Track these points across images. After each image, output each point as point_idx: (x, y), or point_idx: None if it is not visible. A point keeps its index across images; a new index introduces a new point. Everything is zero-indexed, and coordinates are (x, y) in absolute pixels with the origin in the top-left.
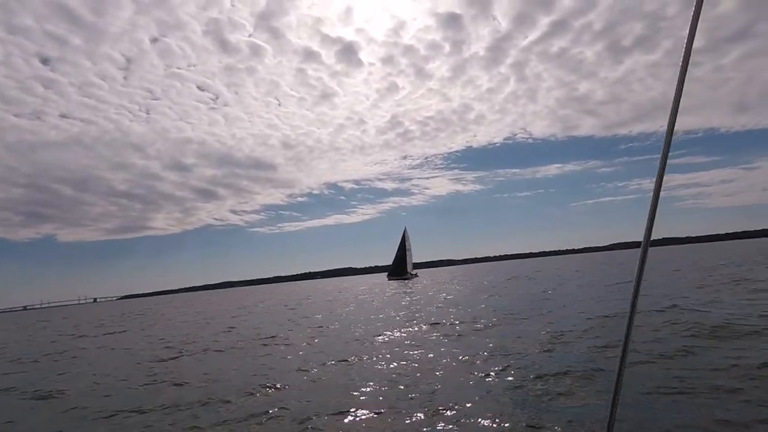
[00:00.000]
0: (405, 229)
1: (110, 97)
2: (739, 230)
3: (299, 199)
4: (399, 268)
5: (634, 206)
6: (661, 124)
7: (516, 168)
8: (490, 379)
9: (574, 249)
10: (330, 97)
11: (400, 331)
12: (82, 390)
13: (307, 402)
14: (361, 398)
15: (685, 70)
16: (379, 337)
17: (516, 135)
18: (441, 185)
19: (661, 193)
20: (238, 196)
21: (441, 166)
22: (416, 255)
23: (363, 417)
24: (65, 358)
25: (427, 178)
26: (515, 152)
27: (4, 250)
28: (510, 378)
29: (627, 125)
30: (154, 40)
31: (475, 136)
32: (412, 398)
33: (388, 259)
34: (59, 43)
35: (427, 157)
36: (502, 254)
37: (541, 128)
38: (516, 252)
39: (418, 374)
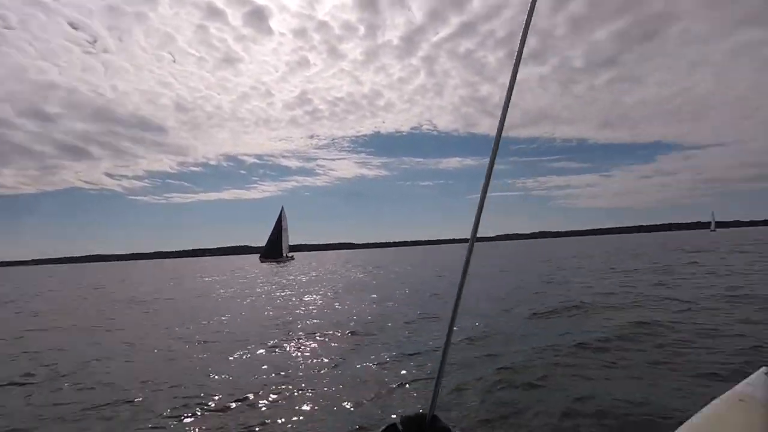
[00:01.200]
0: (282, 209)
1: None
2: (600, 227)
3: (192, 168)
4: (273, 250)
5: (519, 202)
6: (544, 131)
7: (420, 157)
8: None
9: (465, 239)
10: (234, 62)
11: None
12: None
13: None
14: None
15: (514, 81)
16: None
17: (422, 126)
18: (347, 168)
19: (542, 192)
20: (117, 158)
21: (348, 149)
22: (319, 236)
23: None
24: None
25: (333, 160)
26: (421, 142)
27: None
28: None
29: (517, 129)
30: None
31: (383, 122)
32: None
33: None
34: None
35: (334, 139)
36: (402, 240)
37: (445, 122)
38: (417, 239)
39: None
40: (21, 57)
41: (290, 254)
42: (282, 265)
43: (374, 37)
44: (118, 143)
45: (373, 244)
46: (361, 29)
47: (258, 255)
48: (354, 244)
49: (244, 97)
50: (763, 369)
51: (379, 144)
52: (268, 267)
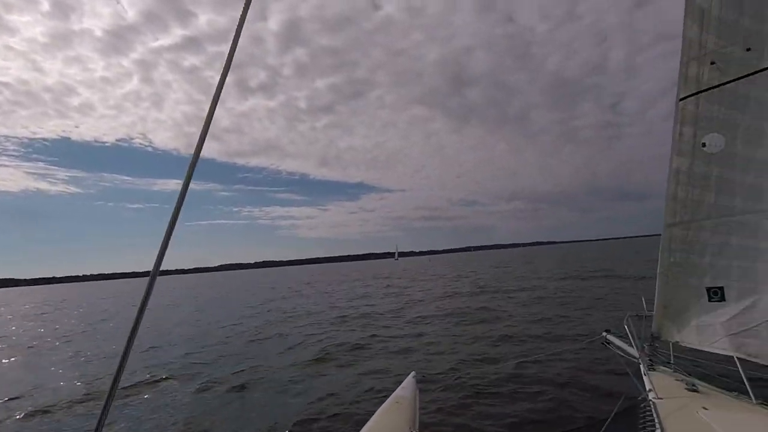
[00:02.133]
0: None
1: None
2: (317, 256)
3: None
4: None
5: (244, 231)
6: (272, 162)
7: (129, 176)
8: None
9: (184, 269)
10: None
11: None
12: None
13: None
14: None
15: (215, 105)
16: None
17: (134, 139)
18: (12, 178)
19: (267, 221)
20: None
21: (16, 154)
22: None
23: None
24: None
25: None
26: (130, 158)
27: None
28: None
29: (246, 156)
30: None
31: (77, 127)
32: None
33: None
34: None
35: None
36: (90, 273)
37: (164, 139)
38: (122, 270)
39: None
40: None
41: None
42: None
43: (66, 18)
44: None
45: (44, 279)
46: (45, 4)
47: None
48: (18, 279)
49: None
50: (412, 373)
51: (69, 153)
52: None
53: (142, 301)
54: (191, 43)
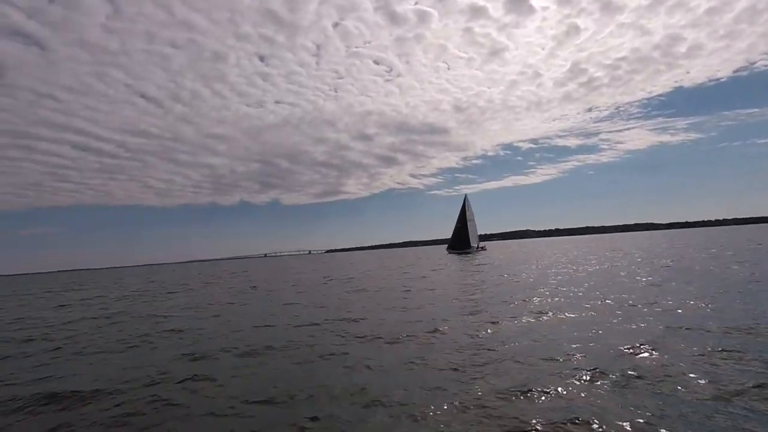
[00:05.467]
0: (465, 197)
1: (308, 82)
2: None
3: (474, 161)
4: (460, 241)
5: None
6: None
7: (754, 107)
8: None
9: None
10: (499, 53)
11: None
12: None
13: None
14: None
15: None
16: None
17: (754, 64)
18: (639, 138)
19: None
20: (416, 160)
21: (638, 116)
22: (608, 217)
23: None
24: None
25: (620, 131)
26: (751, 87)
27: (249, 210)
28: None
29: None
30: (335, 25)
31: (687, 73)
32: None
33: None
34: (269, 42)
35: (618, 107)
36: (723, 218)
37: None
38: (743, 215)
39: None
40: (349, 96)
41: (481, 244)
42: (467, 257)
43: None
44: (415, 148)
45: (678, 223)
46: None
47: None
48: (657, 224)
49: (512, 85)
50: None
51: (682, 102)
52: (458, 259)
53: None
54: None
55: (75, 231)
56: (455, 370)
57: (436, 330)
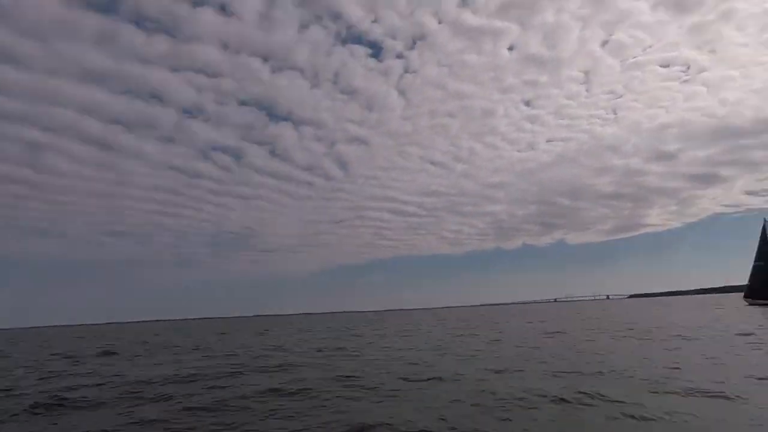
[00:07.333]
0: (765, 222)
1: (579, 111)
2: None
3: None
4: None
5: None
6: None
7: None
8: None
9: None
10: None
11: None
12: None
13: None
14: None
15: None
16: None
17: None
18: None
19: None
20: (753, 171)
21: None
22: None
23: None
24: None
25: None
26: None
27: (533, 253)
28: None
29: None
30: (604, 43)
31: None
32: None
33: None
34: (532, 85)
35: None
36: None
37: None
38: None
39: None
40: (633, 114)
41: None
42: None
43: None
44: (748, 156)
45: None
46: None
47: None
48: None
49: None
50: None
51: None
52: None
53: None
54: None
55: (394, 278)
56: None
57: None
